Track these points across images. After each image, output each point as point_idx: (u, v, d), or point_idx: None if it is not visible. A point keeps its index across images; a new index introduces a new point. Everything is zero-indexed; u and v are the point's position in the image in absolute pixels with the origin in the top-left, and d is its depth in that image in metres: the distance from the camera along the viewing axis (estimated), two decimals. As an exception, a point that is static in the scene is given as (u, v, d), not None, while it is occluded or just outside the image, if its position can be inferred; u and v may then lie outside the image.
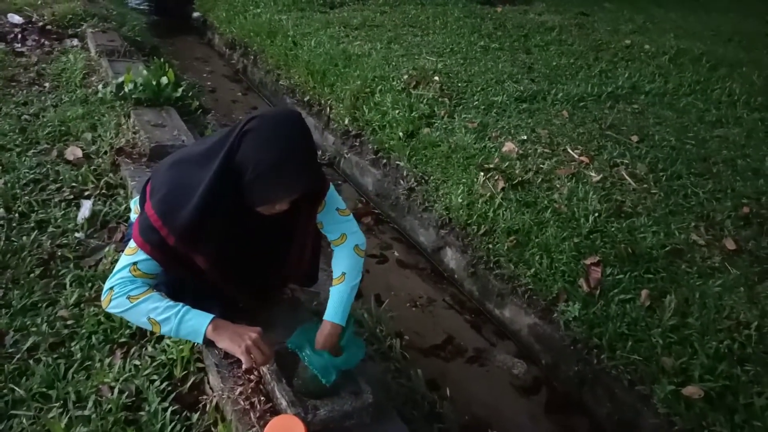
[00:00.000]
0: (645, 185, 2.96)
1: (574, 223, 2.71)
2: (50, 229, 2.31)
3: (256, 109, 4.29)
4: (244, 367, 1.52)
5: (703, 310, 2.25)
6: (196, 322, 1.49)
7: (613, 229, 2.66)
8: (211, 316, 1.50)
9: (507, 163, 3.13)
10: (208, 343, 1.53)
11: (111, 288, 1.49)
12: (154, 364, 1.74)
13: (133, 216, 1.83)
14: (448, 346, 2.66)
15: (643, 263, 2.48)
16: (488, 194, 2.96)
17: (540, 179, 3.02)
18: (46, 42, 4.58)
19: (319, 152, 4.12)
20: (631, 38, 5.78)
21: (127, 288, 1.48)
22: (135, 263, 1.48)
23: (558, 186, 2.96)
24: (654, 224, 2.68)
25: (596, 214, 2.72)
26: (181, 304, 1.51)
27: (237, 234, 1.50)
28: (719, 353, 2.08)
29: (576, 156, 3.20)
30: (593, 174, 3.03)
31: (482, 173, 3.07)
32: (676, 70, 4.83)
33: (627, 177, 3.01)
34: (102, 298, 1.52)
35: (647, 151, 3.28)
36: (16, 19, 4.81)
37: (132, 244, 1.49)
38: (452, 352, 2.63)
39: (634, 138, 3.45)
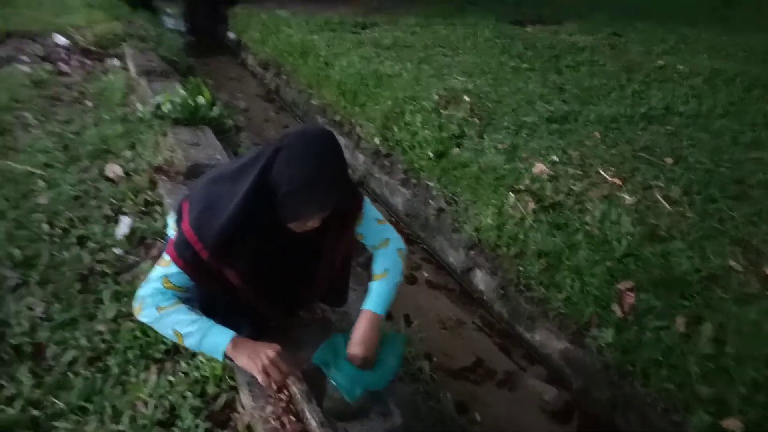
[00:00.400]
0: (680, 208, 2.91)
1: (607, 246, 2.67)
2: (90, 244, 2.38)
3: (288, 128, 4.37)
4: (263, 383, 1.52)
5: (740, 338, 2.19)
6: (217, 339, 1.49)
7: (647, 253, 2.61)
8: (233, 333, 1.50)
9: (538, 185, 3.12)
10: (229, 360, 1.53)
11: (142, 297, 1.53)
12: (188, 380, 1.77)
13: (170, 232, 1.88)
14: (478, 368, 2.64)
15: (677, 288, 2.43)
16: (518, 216, 2.94)
17: (572, 201, 2.99)
18: (88, 62, 4.77)
19: (350, 171, 4.17)
20: (664, 59, 5.71)
21: (156, 299, 1.51)
22: (167, 276, 1.51)
23: (590, 208, 2.93)
24: (689, 248, 2.62)
25: (629, 238, 2.68)
26: (206, 318, 1.52)
27: (269, 250, 1.53)
28: (758, 383, 2.02)
29: (608, 178, 3.17)
30: (626, 196, 2.99)
31: (512, 194, 3.06)
32: (710, 91, 4.75)
33: (661, 199, 2.96)
34: (133, 306, 1.56)
35: (682, 174, 3.22)
36: (60, 40, 5.02)
37: (166, 256, 1.52)
38: (482, 375, 2.60)
39: (668, 160, 3.40)
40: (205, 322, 1.51)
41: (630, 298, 2.40)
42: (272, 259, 1.56)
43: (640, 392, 2.20)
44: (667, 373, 2.15)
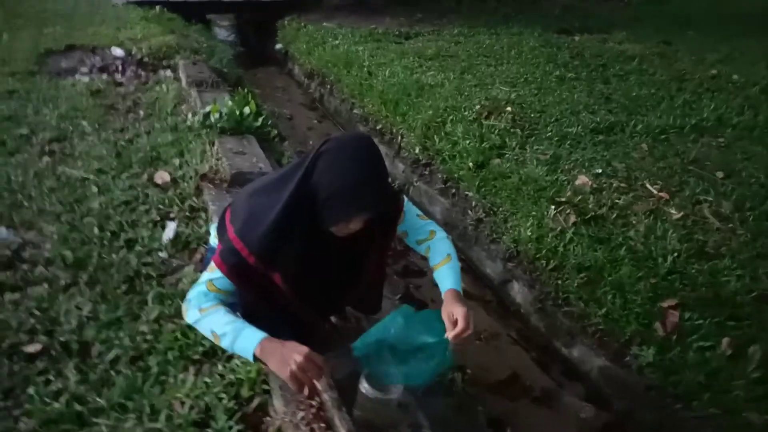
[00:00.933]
0: (730, 225, 2.79)
1: (651, 262, 2.59)
2: (137, 248, 2.48)
3: (330, 135, 4.44)
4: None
5: (794, 364, 2.08)
6: (248, 341, 1.49)
7: (693, 270, 2.52)
8: (263, 335, 1.49)
9: (580, 197, 3.06)
10: (260, 362, 1.54)
11: (188, 300, 1.60)
12: (224, 382, 1.81)
13: (212, 240, 1.93)
14: (513, 383, 2.59)
15: (725, 309, 2.33)
16: (559, 228, 2.89)
17: (615, 215, 2.91)
18: (143, 73, 4.98)
19: (390, 179, 4.19)
20: (717, 68, 5.51)
21: (200, 300, 1.57)
22: (212, 280, 1.57)
23: (634, 222, 2.85)
24: (739, 267, 2.52)
25: (675, 254, 2.59)
26: (241, 321, 1.54)
27: (313, 254, 1.56)
28: (812, 411, 1.91)
29: (655, 192, 3.08)
30: (673, 211, 2.90)
31: (553, 206, 3.01)
32: (766, 102, 4.54)
33: (710, 216, 2.86)
34: (182, 308, 1.63)
35: (733, 189, 3.10)
36: (117, 52, 5.27)
37: (212, 264, 1.58)
38: (517, 390, 2.55)
39: (720, 174, 3.27)
40: (240, 324, 1.53)
41: (674, 317, 2.32)
42: (315, 263, 1.59)
43: (684, 416, 2.11)
44: (712, 396, 2.06)
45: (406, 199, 1.72)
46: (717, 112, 4.26)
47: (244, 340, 1.50)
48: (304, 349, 1.45)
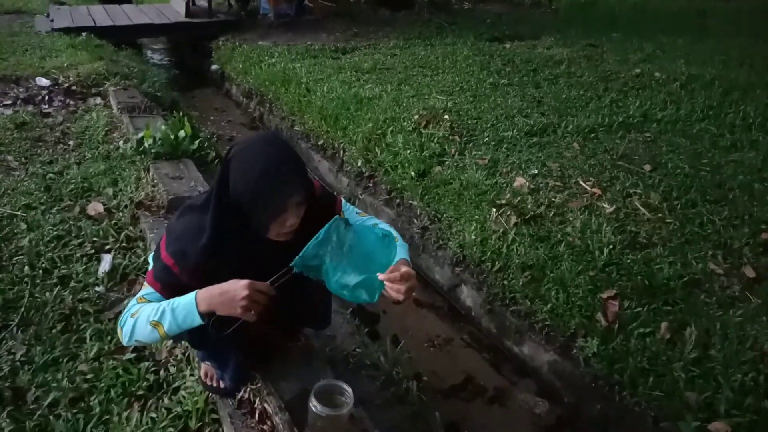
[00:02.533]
0: (659, 215, 2.93)
1: (589, 256, 2.69)
2: (72, 284, 2.38)
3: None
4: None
5: (726, 342, 2.19)
6: (186, 307, 1.43)
7: (628, 261, 2.63)
8: (194, 293, 1.43)
9: (519, 198, 3.14)
10: (211, 323, 1.44)
11: (121, 318, 1.49)
12: (171, 416, 1.76)
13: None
14: (468, 386, 2.62)
15: (660, 295, 2.44)
16: (501, 230, 2.96)
17: (552, 213, 3.01)
18: (71, 102, 4.80)
19: (334, 193, 4.19)
20: (640, 67, 5.80)
21: (131, 311, 1.48)
22: (144, 295, 1.50)
23: (571, 219, 2.95)
24: (670, 254, 2.65)
25: (611, 247, 2.70)
26: (170, 300, 1.47)
27: (248, 269, 1.52)
28: (745, 386, 2.02)
29: (588, 188, 3.20)
30: (606, 205, 3.02)
31: (494, 209, 3.08)
32: (687, 97, 4.81)
33: (641, 207, 2.99)
34: (118, 334, 1.51)
35: (661, 180, 3.26)
36: (43, 82, 5.06)
37: (145, 282, 1.52)
38: (472, 393, 2.59)
39: (647, 167, 3.44)
40: (170, 300, 1.45)
41: (613, 307, 2.41)
42: (254, 278, 1.55)
43: (630, 402, 2.19)
44: (654, 381, 2.15)
45: (343, 199, 1.73)
46: (642, 109, 4.47)
47: (181, 305, 1.43)
48: (245, 282, 1.40)
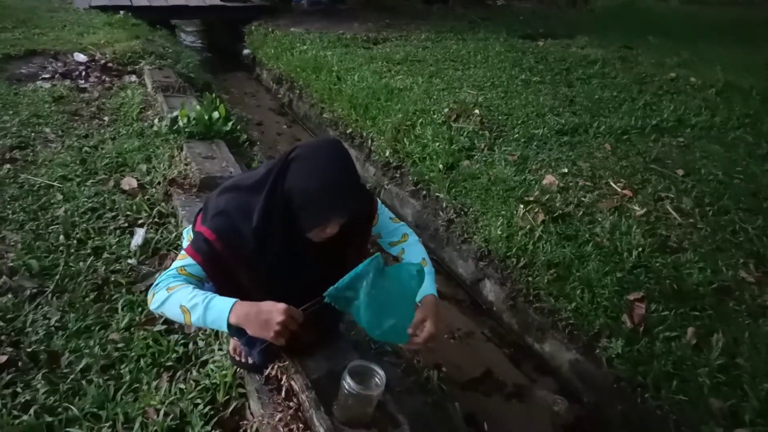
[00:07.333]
0: (691, 220, 2.90)
1: (617, 257, 2.67)
2: (105, 255, 2.43)
3: (300, 140, 4.44)
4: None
5: (754, 351, 2.16)
6: (220, 310, 1.42)
7: (657, 264, 2.60)
8: (233, 301, 1.43)
9: (547, 196, 3.12)
10: (235, 332, 1.47)
11: (156, 284, 1.50)
12: (198, 388, 1.80)
13: (185, 244, 1.91)
14: (487, 380, 2.63)
15: (689, 300, 2.42)
16: (528, 227, 2.95)
17: (581, 212, 2.99)
18: (107, 78, 4.88)
19: (362, 182, 4.21)
20: (676, 71, 5.70)
21: (169, 281, 1.48)
22: (184, 266, 1.50)
23: (600, 220, 2.93)
24: (701, 260, 2.61)
25: (640, 249, 2.68)
26: (211, 293, 1.47)
27: (288, 259, 1.55)
28: (771, 396, 2.00)
29: (619, 189, 3.17)
30: (637, 208, 2.99)
31: (522, 206, 3.07)
32: (723, 104, 4.73)
33: (672, 211, 2.96)
34: (148, 298, 1.52)
35: (693, 186, 3.21)
36: (80, 57, 5.15)
37: (183, 253, 1.52)
38: (491, 387, 2.59)
39: (680, 172, 3.39)
40: (210, 294, 1.45)
41: (640, 309, 2.39)
42: (292, 267, 1.58)
43: (652, 405, 2.18)
44: (678, 385, 2.13)
45: (379, 201, 1.74)
46: (676, 113, 4.40)
47: (215, 308, 1.42)
48: (282, 306, 1.41)
